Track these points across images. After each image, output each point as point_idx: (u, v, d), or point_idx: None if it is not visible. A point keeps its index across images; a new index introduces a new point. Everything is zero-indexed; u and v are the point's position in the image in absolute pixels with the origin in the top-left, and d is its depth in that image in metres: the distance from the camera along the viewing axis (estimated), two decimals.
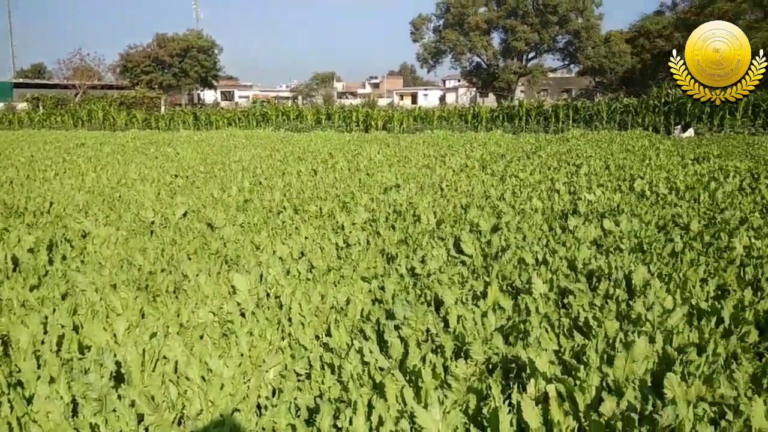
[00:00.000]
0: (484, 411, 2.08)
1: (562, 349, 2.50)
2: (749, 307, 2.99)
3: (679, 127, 16.72)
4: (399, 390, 2.22)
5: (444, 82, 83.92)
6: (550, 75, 58.21)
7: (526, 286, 3.41)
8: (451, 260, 4.15)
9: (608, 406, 1.89)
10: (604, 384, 2.17)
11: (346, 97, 71.16)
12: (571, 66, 51.22)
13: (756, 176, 7.47)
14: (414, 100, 69.33)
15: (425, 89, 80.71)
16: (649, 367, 2.32)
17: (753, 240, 4.21)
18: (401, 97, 74.75)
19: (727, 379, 2.25)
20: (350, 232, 4.92)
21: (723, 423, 1.92)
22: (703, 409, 2.00)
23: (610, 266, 3.51)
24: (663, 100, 18.06)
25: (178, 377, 2.41)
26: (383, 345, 2.70)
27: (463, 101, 54.83)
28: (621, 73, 43.28)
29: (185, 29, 63.94)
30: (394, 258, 4.25)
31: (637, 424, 1.83)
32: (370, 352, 2.54)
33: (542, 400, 2.11)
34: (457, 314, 2.94)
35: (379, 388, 2.27)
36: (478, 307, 3.10)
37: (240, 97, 73.92)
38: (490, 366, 2.50)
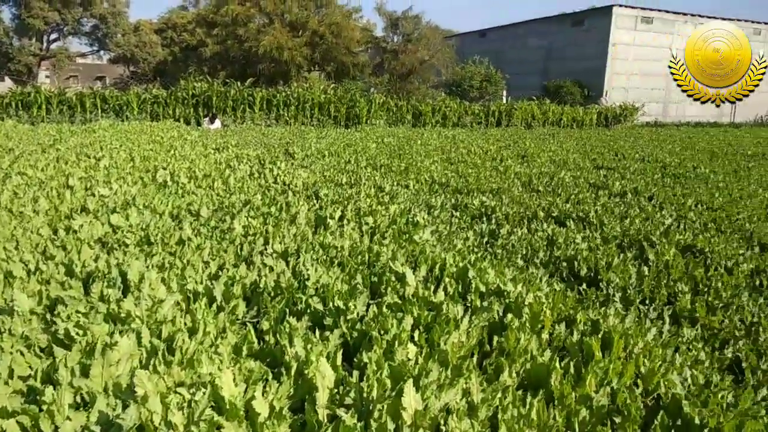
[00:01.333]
0: None
1: (34, 373, 2.16)
2: (238, 282, 3.31)
3: (207, 119, 17.82)
4: None
5: None
6: (80, 61, 53.03)
7: (9, 305, 2.87)
8: None
9: (68, 427, 1.70)
10: (78, 399, 1.97)
11: None
12: (102, 53, 47.83)
13: (263, 162, 8.61)
14: None
15: None
16: (135, 366, 2.25)
17: (250, 220, 4.75)
18: None
19: (210, 356, 2.39)
20: None
21: (197, 397, 2.00)
22: (180, 394, 2.05)
23: (110, 265, 3.32)
24: (191, 93, 18.86)
25: None
26: None
27: None
28: (154, 64, 43.09)
29: None
30: None
31: None
32: None
33: None
34: None
35: None
36: None
37: None
38: None
